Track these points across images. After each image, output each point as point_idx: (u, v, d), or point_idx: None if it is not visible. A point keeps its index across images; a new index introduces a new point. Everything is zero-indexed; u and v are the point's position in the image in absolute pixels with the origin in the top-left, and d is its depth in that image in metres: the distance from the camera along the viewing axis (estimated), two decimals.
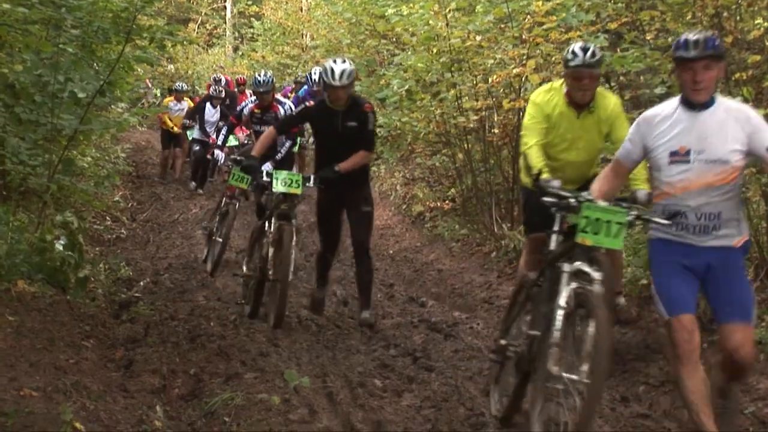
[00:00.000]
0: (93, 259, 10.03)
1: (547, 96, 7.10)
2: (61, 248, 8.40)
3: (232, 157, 11.08)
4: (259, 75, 11.68)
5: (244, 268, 9.08)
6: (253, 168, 8.53)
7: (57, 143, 9.40)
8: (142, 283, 9.91)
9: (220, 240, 11.01)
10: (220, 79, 19.14)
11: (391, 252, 13.39)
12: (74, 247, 8.50)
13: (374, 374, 6.67)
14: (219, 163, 11.88)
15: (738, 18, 8.79)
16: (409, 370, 6.88)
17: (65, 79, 8.93)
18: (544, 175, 5.93)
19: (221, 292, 9.66)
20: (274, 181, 8.26)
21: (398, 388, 6.33)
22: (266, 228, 8.52)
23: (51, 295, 7.68)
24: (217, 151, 12.29)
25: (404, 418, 5.68)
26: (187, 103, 19.97)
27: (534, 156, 6.82)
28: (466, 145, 12.83)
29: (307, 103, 8.88)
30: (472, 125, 12.05)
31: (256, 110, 11.56)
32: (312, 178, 8.31)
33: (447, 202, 13.73)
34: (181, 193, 18.07)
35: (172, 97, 20.69)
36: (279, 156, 10.98)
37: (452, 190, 14.13)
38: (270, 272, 8.26)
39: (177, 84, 22.15)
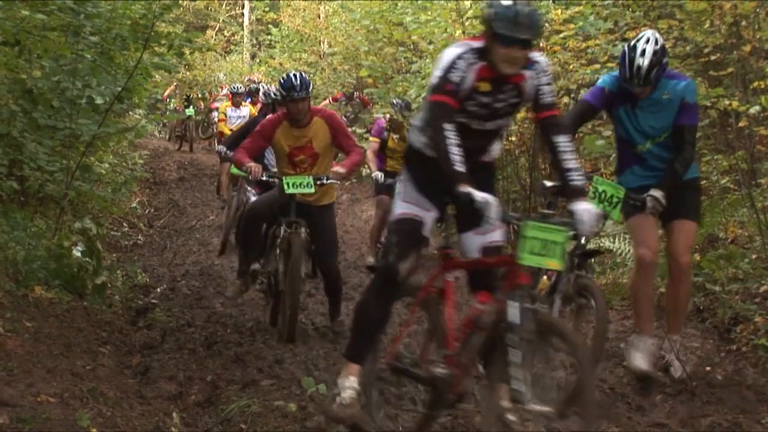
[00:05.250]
0: (110, 266, 10.06)
1: None
2: (78, 254, 8.43)
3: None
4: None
5: None
6: None
7: (75, 149, 9.45)
8: (158, 290, 9.91)
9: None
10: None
11: None
12: (92, 254, 8.53)
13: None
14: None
15: (756, 27, 8.75)
16: None
17: (83, 85, 9.01)
18: None
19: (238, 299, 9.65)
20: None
21: (414, 395, 6.30)
22: None
23: (68, 301, 7.71)
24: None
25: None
26: (248, 109, 17.03)
27: None
28: None
29: None
30: None
31: (479, 83, 4.72)
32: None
33: None
34: (198, 200, 18.06)
35: (228, 102, 17.71)
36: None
37: None
38: None
39: (233, 85, 19.27)
